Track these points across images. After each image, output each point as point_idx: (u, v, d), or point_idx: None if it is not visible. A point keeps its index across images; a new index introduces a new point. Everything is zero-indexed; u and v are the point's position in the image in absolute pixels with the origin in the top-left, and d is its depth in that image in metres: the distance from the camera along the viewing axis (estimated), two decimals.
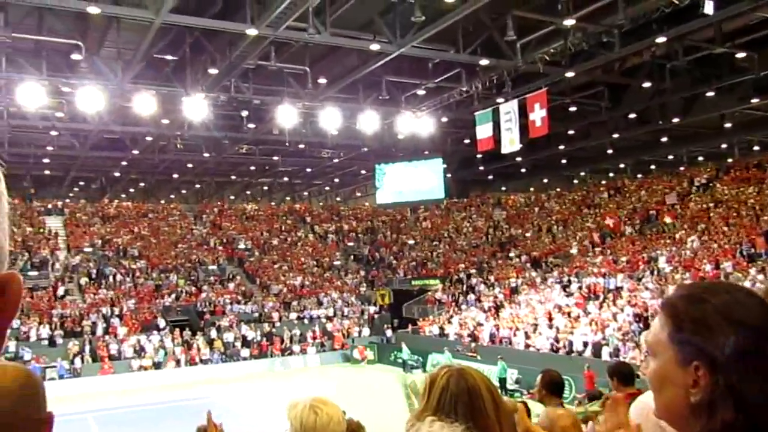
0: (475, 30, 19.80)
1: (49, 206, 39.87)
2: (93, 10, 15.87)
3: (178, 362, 29.49)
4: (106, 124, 25.24)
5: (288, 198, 51.59)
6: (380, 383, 25.30)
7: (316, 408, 2.30)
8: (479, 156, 34.36)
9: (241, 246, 40.87)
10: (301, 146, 31.61)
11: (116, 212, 42.07)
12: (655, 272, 26.09)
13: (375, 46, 19.08)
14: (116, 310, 31.81)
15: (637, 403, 1.61)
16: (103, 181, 41.94)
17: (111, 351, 29.05)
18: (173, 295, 34.31)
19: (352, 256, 42.66)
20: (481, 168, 39.79)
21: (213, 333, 31.62)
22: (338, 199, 53.05)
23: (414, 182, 35.10)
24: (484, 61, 20.89)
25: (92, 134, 28.16)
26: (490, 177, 44.81)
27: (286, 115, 23.04)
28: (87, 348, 28.84)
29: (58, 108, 23.02)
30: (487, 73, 22.30)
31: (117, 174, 39.25)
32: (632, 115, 29.00)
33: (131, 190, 45.86)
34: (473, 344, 27.79)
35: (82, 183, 43.05)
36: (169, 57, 21.27)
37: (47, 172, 36.66)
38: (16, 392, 1.21)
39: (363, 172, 40.59)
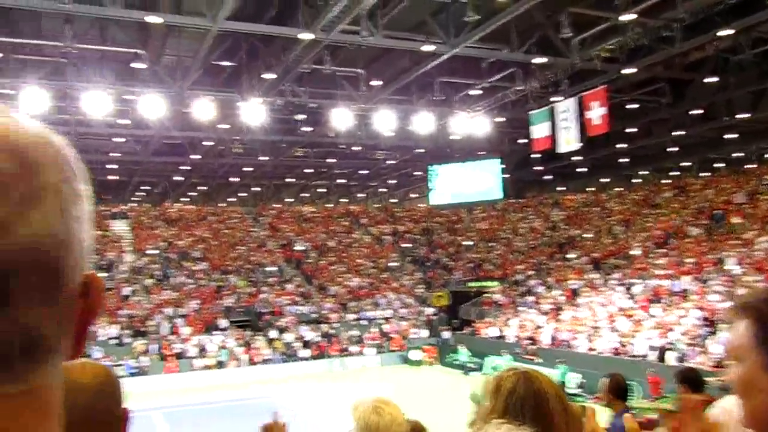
0: (530, 28, 19.52)
1: (114, 210, 41.33)
2: (155, 19, 16.37)
3: (239, 362, 30.11)
4: (167, 129, 25.97)
5: (344, 200, 51.97)
6: (439, 385, 25.22)
7: (379, 409, 2.34)
8: (535, 156, 33.85)
9: (299, 247, 41.38)
10: (356, 148, 31.80)
11: (178, 215, 43.26)
12: (724, 274, 25.11)
13: (428, 47, 19.03)
14: (180, 311, 32.71)
15: (715, 409, 1.53)
16: (165, 185, 43.20)
17: (175, 350, 29.88)
18: (234, 296, 35.03)
19: (408, 258, 42.65)
20: (538, 168, 39.20)
21: (273, 333, 32.13)
22: (394, 200, 53.15)
23: (469, 183, 34.83)
24: (539, 60, 20.58)
25: (154, 140, 29.04)
26: (547, 177, 44.10)
27: (341, 118, 23.24)
28: (153, 347, 29.74)
29: (122, 115, 23.84)
30: (542, 72, 21.96)
31: (178, 178, 40.37)
32: (696, 112, 28.02)
33: (192, 193, 47.09)
34: (532, 347, 27.37)
35: (146, 188, 44.48)
36: (226, 63, 21.75)
37: (112, 177, 38.00)
38: (94, 388, 1.26)
39: (418, 173, 40.57)
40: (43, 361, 0.49)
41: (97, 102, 19.89)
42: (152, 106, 20.49)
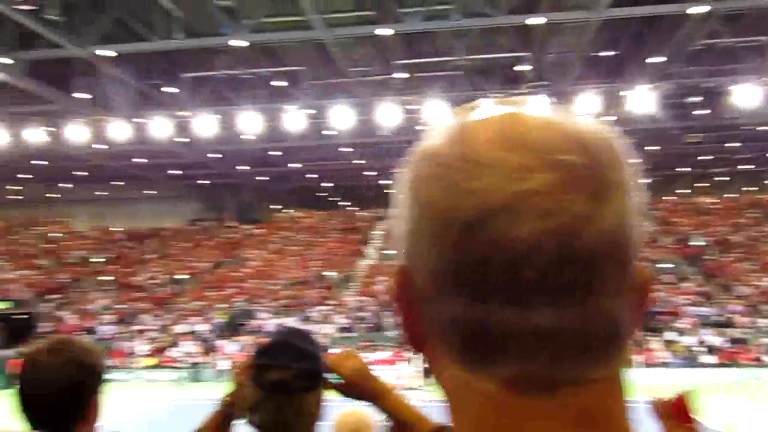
0: None
1: None
2: (537, 20, 16.75)
3: (635, 363, 29.04)
4: None
5: (750, 188, 46.63)
6: None
7: None
8: None
9: (696, 243, 38.11)
10: (765, 128, 27.92)
11: None
12: None
13: None
14: None
15: None
16: None
17: None
18: None
19: None
20: None
21: (670, 335, 30.11)
22: None
23: None
24: None
25: None
26: None
27: (745, 95, 20.58)
28: None
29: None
30: None
31: None
32: None
33: None
34: None
35: None
36: (607, 53, 21.15)
37: None
38: None
39: None
40: (620, 348, 0.52)
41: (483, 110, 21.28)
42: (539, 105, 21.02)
